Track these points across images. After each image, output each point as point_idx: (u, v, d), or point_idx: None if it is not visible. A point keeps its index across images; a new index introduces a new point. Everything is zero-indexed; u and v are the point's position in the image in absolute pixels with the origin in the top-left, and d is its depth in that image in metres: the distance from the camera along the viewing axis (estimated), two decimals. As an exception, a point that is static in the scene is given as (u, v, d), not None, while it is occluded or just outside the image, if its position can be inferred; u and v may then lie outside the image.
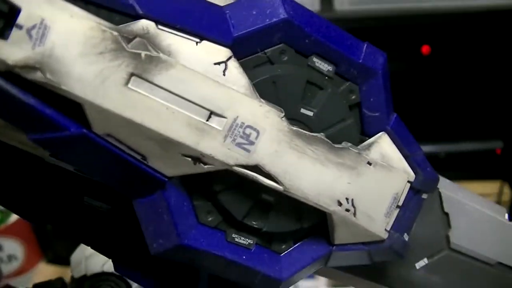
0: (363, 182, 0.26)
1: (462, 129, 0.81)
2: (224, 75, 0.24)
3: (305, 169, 0.25)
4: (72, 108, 0.23)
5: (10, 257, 0.98)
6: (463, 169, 0.78)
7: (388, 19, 0.75)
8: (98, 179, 0.26)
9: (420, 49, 0.78)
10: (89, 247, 0.40)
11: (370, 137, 0.27)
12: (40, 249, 1.01)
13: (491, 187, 0.78)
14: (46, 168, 0.30)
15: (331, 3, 0.77)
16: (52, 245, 0.99)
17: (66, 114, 0.23)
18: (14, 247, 0.98)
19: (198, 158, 0.24)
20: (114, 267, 0.31)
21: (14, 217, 0.98)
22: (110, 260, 0.41)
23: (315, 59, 0.26)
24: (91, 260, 0.45)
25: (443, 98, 0.80)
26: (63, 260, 0.99)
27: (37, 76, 0.22)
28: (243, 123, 0.24)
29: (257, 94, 0.24)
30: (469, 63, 0.78)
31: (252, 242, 0.26)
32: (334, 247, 0.27)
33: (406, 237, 0.29)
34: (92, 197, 0.30)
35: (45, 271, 1.00)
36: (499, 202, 0.78)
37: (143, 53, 0.23)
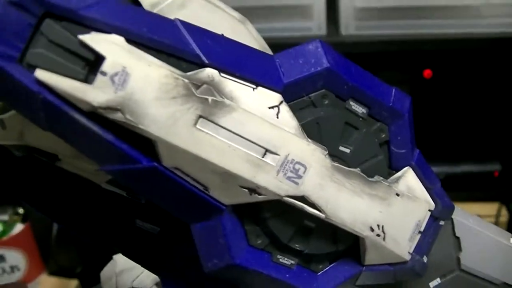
0: (392, 211, 0.30)
1: (461, 151, 0.85)
2: (277, 117, 0.27)
3: (344, 200, 0.28)
4: (142, 143, 0.27)
5: (13, 268, 1.00)
6: (462, 190, 0.82)
7: (392, 44, 0.79)
8: (162, 206, 0.29)
9: (422, 73, 0.82)
10: (119, 263, 0.43)
11: (397, 171, 0.31)
12: (42, 260, 1.02)
13: (489, 208, 0.82)
14: (102, 193, 0.33)
15: (337, 28, 0.81)
16: (55, 257, 1.01)
17: (137, 149, 0.27)
18: (17, 258, 1.00)
19: (254, 190, 0.27)
20: (162, 284, 0.34)
21: (17, 228, 1.00)
22: (139, 276, 0.44)
23: (351, 103, 0.29)
24: (121, 276, 0.47)
25: (443, 121, 0.84)
26: (65, 272, 1.01)
27: (118, 116, 0.26)
28: (293, 159, 0.27)
29: (305, 134, 0.28)
30: (468, 87, 0.82)
31: (294, 263, 0.30)
32: (364, 267, 0.31)
33: (425, 259, 0.33)
34: (144, 220, 0.33)
35: (47, 283, 1.02)
36: (496, 223, 0.82)
37: (210, 98, 0.26)
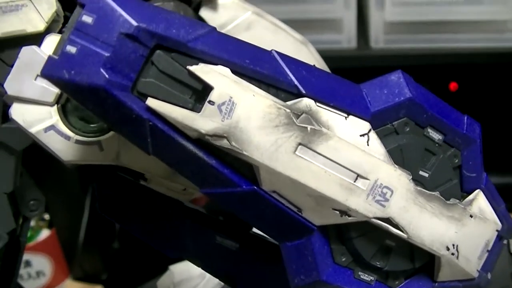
0: (466, 231, 0.32)
1: (485, 163, 0.87)
2: (368, 145, 0.29)
3: (425, 221, 0.30)
4: (241, 167, 0.29)
5: (39, 273, 1.01)
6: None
7: (419, 57, 0.81)
8: (257, 227, 0.31)
9: (448, 86, 0.84)
10: (176, 274, 0.45)
11: (468, 193, 0.33)
12: (67, 266, 1.04)
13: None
14: (185, 210, 0.35)
15: (367, 41, 0.83)
16: (80, 263, 1.02)
17: (237, 173, 0.29)
18: (43, 264, 1.01)
19: (344, 212, 0.29)
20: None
21: (43, 234, 1.01)
22: (198, 287, 0.46)
23: (429, 130, 0.31)
24: (179, 285, 0.49)
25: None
26: (89, 278, 1.02)
27: (224, 143, 0.28)
28: (381, 184, 0.29)
29: (392, 160, 0.30)
30: (493, 100, 0.84)
31: (373, 279, 0.32)
32: (436, 283, 0.33)
33: (489, 275, 0.35)
34: (223, 236, 0.35)
35: (72, 289, 1.03)
36: None
37: (309, 127, 0.28)
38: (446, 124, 0.32)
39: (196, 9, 0.44)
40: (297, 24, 0.85)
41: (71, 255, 1.01)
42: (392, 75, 0.31)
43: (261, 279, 0.36)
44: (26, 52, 0.32)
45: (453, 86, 0.84)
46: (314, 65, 0.30)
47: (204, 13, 0.42)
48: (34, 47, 0.31)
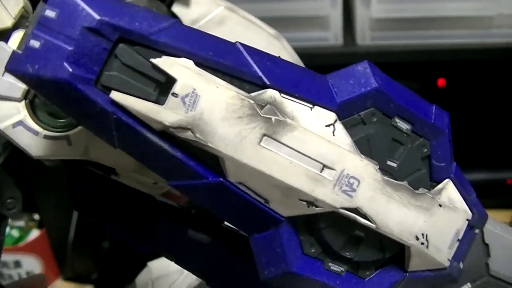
0: (435, 221, 0.32)
1: (474, 159, 0.87)
2: (333, 135, 0.29)
3: (393, 211, 0.30)
4: (208, 160, 0.29)
5: (29, 274, 1.01)
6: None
7: (407, 54, 0.81)
8: (224, 218, 0.31)
9: (436, 82, 0.84)
10: (155, 270, 0.45)
11: (437, 183, 0.33)
12: (57, 266, 1.04)
13: (502, 216, 0.83)
14: (157, 205, 0.35)
15: (353, 38, 0.83)
16: (70, 263, 1.02)
17: (203, 164, 0.29)
18: (33, 264, 1.01)
19: (311, 202, 0.29)
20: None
21: (33, 234, 1.02)
22: (176, 282, 0.46)
23: (397, 120, 0.31)
24: (158, 282, 0.49)
25: (456, 129, 0.86)
26: (80, 278, 1.02)
27: (188, 135, 0.28)
28: (348, 174, 0.29)
29: (358, 150, 0.30)
30: (481, 96, 0.84)
31: (343, 270, 0.32)
32: (407, 273, 0.33)
33: (461, 265, 0.35)
34: (195, 230, 0.35)
35: (63, 288, 1.03)
36: None
37: (273, 118, 0.28)
38: (414, 114, 0.32)
39: (170, 6, 0.44)
40: (284, 22, 0.85)
41: (61, 255, 1.01)
42: (359, 66, 0.31)
43: (234, 272, 0.36)
44: (-7, 48, 0.32)
45: (441, 82, 0.84)
46: (279, 57, 0.30)
47: (177, 8, 0.43)
48: (1, 43, 0.32)
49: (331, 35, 0.83)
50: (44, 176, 0.88)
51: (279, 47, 0.45)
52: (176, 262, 0.36)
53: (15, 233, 1.02)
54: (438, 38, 0.83)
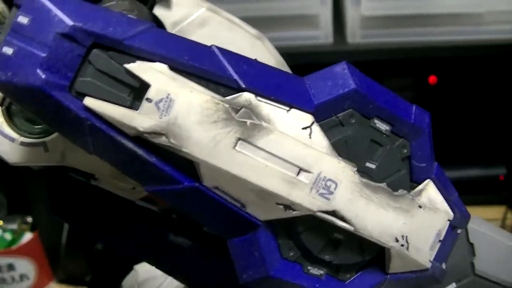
0: (415, 222, 0.32)
1: (467, 156, 0.87)
2: (310, 138, 0.29)
3: (371, 213, 0.30)
4: (183, 164, 0.28)
5: (22, 277, 1.01)
6: (468, 194, 0.84)
7: (398, 52, 0.81)
8: (201, 222, 0.30)
9: (427, 79, 0.84)
10: (141, 273, 0.45)
11: (418, 183, 0.33)
12: (51, 269, 1.03)
13: (496, 212, 0.83)
14: (137, 209, 0.35)
15: (344, 37, 0.83)
16: (64, 266, 1.02)
17: (179, 169, 0.28)
18: (26, 267, 1.01)
19: (288, 206, 0.29)
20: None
21: (26, 237, 1.01)
22: (161, 285, 0.46)
23: (376, 121, 0.31)
24: (144, 285, 0.49)
25: (448, 126, 0.86)
26: (74, 280, 1.02)
27: (162, 140, 0.27)
28: (325, 177, 0.29)
29: (335, 152, 0.29)
30: (473, 92, 0.84)
31: (323, 273, 0.32)
32: (388, 275, 0.33)
33: (444, 265, 0.35)
34: (176, 234, 0.35)
35: (56, 291, 1.03)
36: (503, 226, 0.83)
37: (248, 122, 0.28)
38: (393, 114, 0.31)
39: (152, 8, 0.44)
40: (274, 21, 0.85)
41: (54, 258, 1.01)
42: (337, 67, 0.31)
43: (214, 276, 0.36)
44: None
45: (432, 79, 0.84)
46: (256, 59, 0.30)
47: (158, 11, 0.42)
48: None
49: (322, 34, 0.83)
50: (36, 178, 0.88)
51: (261, 48, 0.44)
52: (157, 267, 0.36)
53: (8, 236, 1.01)
54: (429, 35, 0.82)
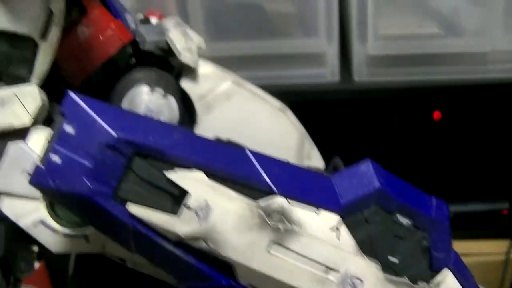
0: (435, 313, 0.33)
1: (470, 190, 0.89)
2: (338, 239, 0.31)
3: (394, 307, 0.32)
4: (219, 263, 0.30)
5: (29, 305, 1.02)
6: (472, 228, 0.86)
7: (402, 90, 0.83)
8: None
9: (432, 115, 0.86)
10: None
11: (436, 271, 0.34)
12: (56, 298, 1.05)
13: (499, 246, 0.85)
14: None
15: (350, 75, 0.84)
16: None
17: (215, 268, 0.30)
18: (32, 295, 1.02)
19: (317, 303, 0.31)
20: None
21: (33, 265, 1.02)
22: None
23: (398, 216, 0.33)
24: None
25: (452, 161, 0.88)
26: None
27: (202, 244, 0.29)
28: (352, 275, 0.31)
29: (361, 251, 0.31)
30: (476, 128, 0.86)
31: None
32: None
33: None
34: None
35: (60, 319, 1.04)
36: (507, 260, 0.84)
37: (281, 227, 0.30)
38: (414, 209, 0.33)
39: (177, 77, 0.46)
40: (281, 59, 0.87)
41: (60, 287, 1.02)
42: (361, 166, 0.33)
43: None
44: (13, 148, 0.33)
45: (436, 115, 0.86)
46: (287, 161, 0.32)
47: (185, 83, 0.44)
48: (21, 144, 0.33)
49: (328, 72, 0.85)
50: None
51: (285, 119, 0.46)
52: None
53: (16, 264, 1.02)
54: (433, 74, 0.85)
